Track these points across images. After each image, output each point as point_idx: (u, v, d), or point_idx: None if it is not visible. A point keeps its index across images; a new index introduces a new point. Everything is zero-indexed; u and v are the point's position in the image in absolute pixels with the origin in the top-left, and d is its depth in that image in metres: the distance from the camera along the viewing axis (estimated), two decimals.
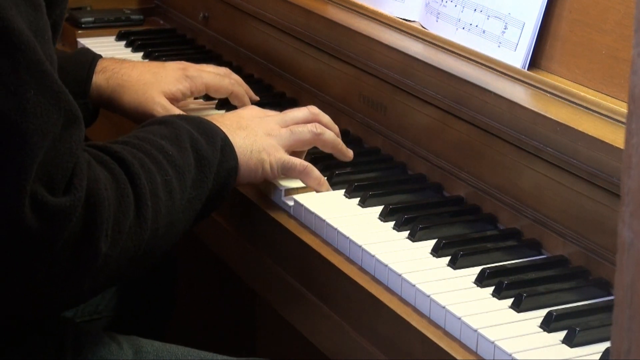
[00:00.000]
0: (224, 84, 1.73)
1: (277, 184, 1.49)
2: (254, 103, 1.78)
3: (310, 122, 1.52)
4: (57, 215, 1.13)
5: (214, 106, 1.80)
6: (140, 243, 1.25)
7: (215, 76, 1.73)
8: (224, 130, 1.42)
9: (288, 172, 1.47)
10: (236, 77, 1.76)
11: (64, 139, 1.15)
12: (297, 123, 1.52)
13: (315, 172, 1.48)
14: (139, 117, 1.68)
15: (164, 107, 1.66)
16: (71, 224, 1.15)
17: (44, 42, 1.16)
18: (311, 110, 1.54)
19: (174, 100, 1.69)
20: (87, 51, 1.76)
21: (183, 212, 1.33)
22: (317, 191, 1.49)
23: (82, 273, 1.19)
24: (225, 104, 1.77)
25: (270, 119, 1.51)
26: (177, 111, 1.67)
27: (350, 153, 1.55)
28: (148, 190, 1.26)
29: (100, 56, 1.73)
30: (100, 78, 1.69)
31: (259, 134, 1.46)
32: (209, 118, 1.45)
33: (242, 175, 1.43)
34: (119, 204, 1.21)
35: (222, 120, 1.47)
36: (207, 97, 1.79)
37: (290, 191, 1.48)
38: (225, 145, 1.40)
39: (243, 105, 1.75)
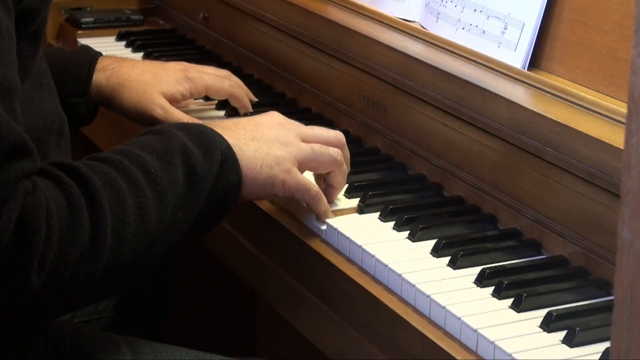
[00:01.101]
0: (224, 86, 1.72)
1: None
2: (252, 104, 1.78)
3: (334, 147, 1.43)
4: None
5: (214, 107, 1.80)
6: (93, 272, 1.18)
7: (216, 78, 1.72)
8: (233, 141, 1.34)
9: (300, 195, 1.39)
10: (236, 80, 1.76)
11: (1, 170, 1.11)
12: (321, 142, 1.42)
13: (325, 200, 1.41)
14: (138, 117, 1.67)
15: (162, 108, 1.65)
16: None
17: (3, 66, 1.14)
18: (339, 137, 1.44)
19: (173, 101, 1.68)
20: (87, 49, 1.75)
21: (164, 233, 1.26)
22: (321, 219, 1.41)
23: (10, 305, 1.15)
24: (226, 105, 1.77)
25: (291, 128, 1.42)
26: (176, 112, 1.66)
27: (328, 215, 1.42)
28: (109, 216, 1.18)
29: (100, 54, 1.73)
30: (100, 77, 1.68)
31: (274, 145, 1.37)
32: (225, 122, 1.40)
33: (248, 190, 1.35)
34: (68, 233, 1.15)
35: (236, 128, 1.39)
36: (207, 98, 1.79)
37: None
38: (226, 159, 1.32)
39: (243, 107, 1.74)
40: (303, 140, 1.41)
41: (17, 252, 1.11)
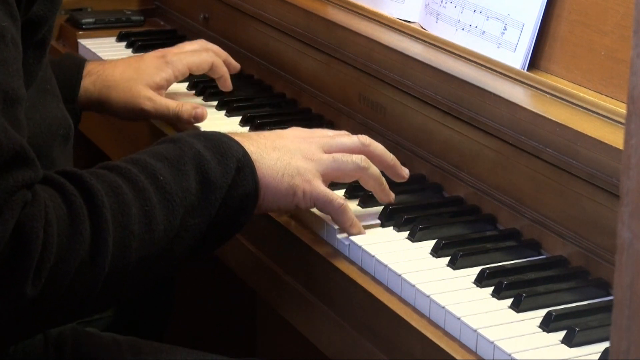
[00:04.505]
0: (203, 58, 1.76)
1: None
2: (254, 106, 1.79)
3: (357, 154, 1.40)
4: None
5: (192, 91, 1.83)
6: (94, 282, 1.17)
7: (194, 54, 1.76)
8: (254, 149, 1.33)
9: (322, 206, 1.36)
10: (213, 46, 1.80)
11: (1, 178, 1.11)
12: (344, 151, 1.40)
13: (350, 212, 1.36)
14: (128, 114, 1.70)
15: (149, 99, 1.68)
16: None
17: (7, 74, 1.14)
18: (362, 140, 1.41)
19: (160, 89, 1.72)
20: (72, 56, 1.78)
21: (174, 241, 1.25)
22: (347, 232, 1.37)
23: (8, 315, 1.14)
24: (201, 87, 1.82)
25: (313, 141, 1.39)
26: (163, 100, 1.69)
27: (391, 196, 1.42)
28: (112, 225, 1.18)
29: (85, 60, 1.75)
30: (87, 82, 1.71)
31: (295, 156, 1.36)
32: (246, 133, 1.39)
33: (269, 199, 1.34)
34: (68, 242, 1.14)
35: (257, 137, 1.37)
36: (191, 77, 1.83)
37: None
38: (242, 167, 1.30)
39: (222, 77, 1.78)
40: (325, 152, 1.39)
41: (12, 262, 1.11)
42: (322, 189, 1.35)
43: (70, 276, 1.15)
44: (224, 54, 1.81)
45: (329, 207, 1.35)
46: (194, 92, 1.85)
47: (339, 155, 1.38)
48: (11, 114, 1.15)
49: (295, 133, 1.41)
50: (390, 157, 1.43)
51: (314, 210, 1.42)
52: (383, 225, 1.41)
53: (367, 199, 1.45)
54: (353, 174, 1.39)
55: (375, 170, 1.40)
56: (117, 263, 1.18)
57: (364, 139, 1.42)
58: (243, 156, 1.31)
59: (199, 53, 1.76)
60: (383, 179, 1.41)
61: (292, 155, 1.35)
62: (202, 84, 1.87)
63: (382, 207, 1.43)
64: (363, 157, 1.39)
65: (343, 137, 1.42)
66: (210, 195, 1.27)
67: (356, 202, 1.46)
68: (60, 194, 1.17)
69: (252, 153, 1.32)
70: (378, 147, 1.42)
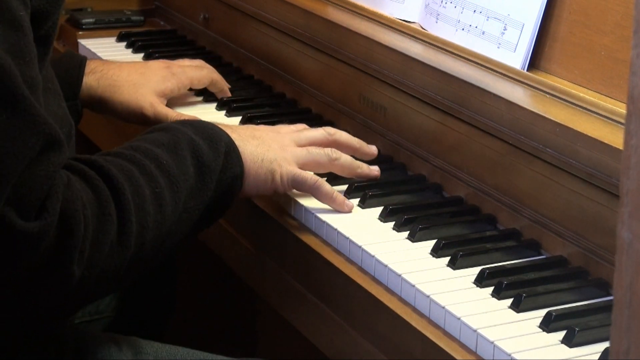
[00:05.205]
0: (203, 74, 1.80)
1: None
2: (254, 104, 1.79)
3: (326, 144, 1.50)
4: (25, 240, 1.11)
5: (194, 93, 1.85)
6: (122, 261, 1.22)
7: (196, 69, 1.80)
8: (235, 135, 1.40)
9: (298, 185, 1.43)
10: (210, 67, 1.83)
11: (41, 163, 1.13)
12: (313, 143, 1.49)
13: (326, 186, 1.44)
14: (127, 116, 1.71)
15: (151, 105, 1.70)
16: (41, 248, 1.12)
17: (25, 64, 1.15)
18: (327, 130, 1.51)
19: (163, 97, 1.74)
20: (73, 54, 1.79)
21: (177, 223, 1.30)
22: (332, 206, 1.44)
23: (52, 296, 1.18)
24: (204, 92, 1.83)
25: (285, 135, 1.48)
26: (164, 108, 1.71)
27: (373, 172, 1.51)
28: (133, 206, 1.23)
29: (86, 58, 1.76)
30: (90, 79, 1.72)
31: (273, 145, 1.44)
32: (223, 126, 1.43)
33: (250, 183, 1.40)
34: (99, 224, 1.19)
35: (236, 128, 1.45)
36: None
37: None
38: (230, 151, 1.37)
39: (221, 90, 1.83)
40: (297, 145, 1.47)
41: (61, 244, 1.14)
42: (298, 170, 1.43)
43: (104, 257, 1.19)
44: (219, 76, 1.84)
45: (305, 186, 1.43)
46: (193, 91, 1.85)
47: (312, 148, 1.47)
48: (37, 100, 1.17)
49: (267, 127, 1.51)
50: (355, 141, 1.53)
51: (315, 211, 1.42)
52: (383, 221, 1.41)
53: (366, 199, 1.46)
54: (326, 165, 1.48)
55: (346, 158, 1.49)
56: (138, 243, 1.24)
57: (329, 129, 1.52)
58: (229, 141, 1.38)
59: (200, 69, 1.81)
60: (357, 162, 1.50)
61: (269, 144, 1.44)
62: None
63: (382, 207, 1.43)
64: (333, 149, 1.49)
65: (309, 131, 1.52)
66: (205, 178, 1.33)
67: (356, 202, 1.47)
68: (83, 178, 1.21)
69: (235, 139, 1.40)
70: (343, 135, 1.52)
